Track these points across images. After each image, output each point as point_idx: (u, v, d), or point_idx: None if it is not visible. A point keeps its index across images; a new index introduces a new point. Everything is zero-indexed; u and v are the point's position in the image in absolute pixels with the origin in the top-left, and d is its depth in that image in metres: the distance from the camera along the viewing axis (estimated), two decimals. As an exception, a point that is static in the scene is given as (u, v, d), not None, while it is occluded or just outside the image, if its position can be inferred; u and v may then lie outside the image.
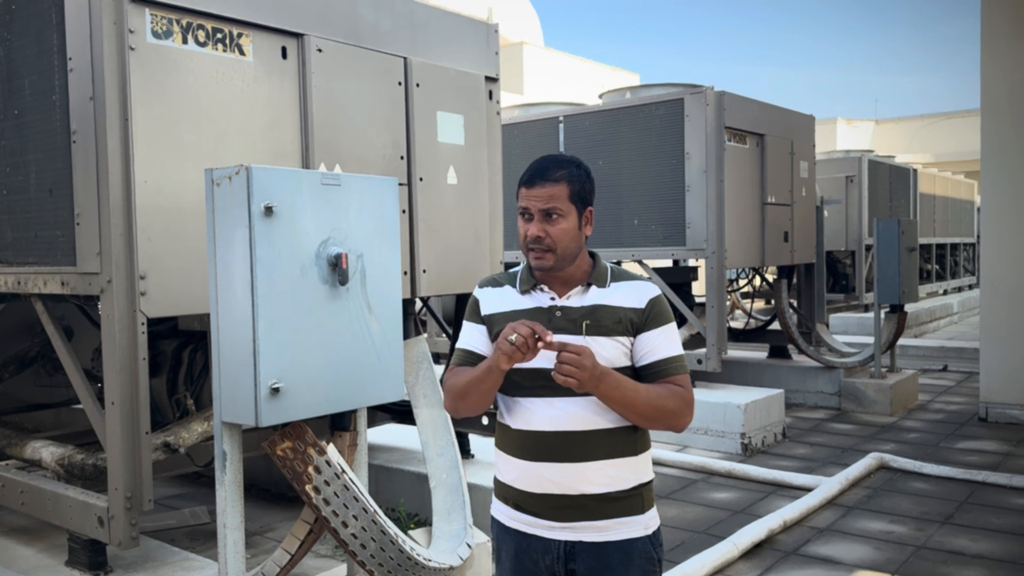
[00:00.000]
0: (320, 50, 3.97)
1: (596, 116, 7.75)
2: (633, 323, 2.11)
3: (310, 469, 2.73)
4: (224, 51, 3.63)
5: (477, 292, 2.26)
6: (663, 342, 2.13)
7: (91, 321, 4.59)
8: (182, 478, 5.78)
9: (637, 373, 2.14)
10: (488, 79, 4.94)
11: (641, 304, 2.13)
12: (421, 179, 4.47)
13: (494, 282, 2.26)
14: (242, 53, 3.70)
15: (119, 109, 3.33)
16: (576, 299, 2.14)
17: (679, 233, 7.21)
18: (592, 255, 2.22)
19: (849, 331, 12.69)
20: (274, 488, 5.44)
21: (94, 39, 3.32)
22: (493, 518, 2.26)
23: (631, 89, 8.09)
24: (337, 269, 2.78)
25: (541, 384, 2.08)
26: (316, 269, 2.75)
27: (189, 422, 3.82)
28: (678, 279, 8.09)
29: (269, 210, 2.61)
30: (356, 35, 4.16)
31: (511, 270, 2.28)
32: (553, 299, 2.15)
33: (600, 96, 8.32)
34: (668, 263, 8.67)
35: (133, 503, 3.43)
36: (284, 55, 3.87)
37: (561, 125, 7.93)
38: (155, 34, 3.41)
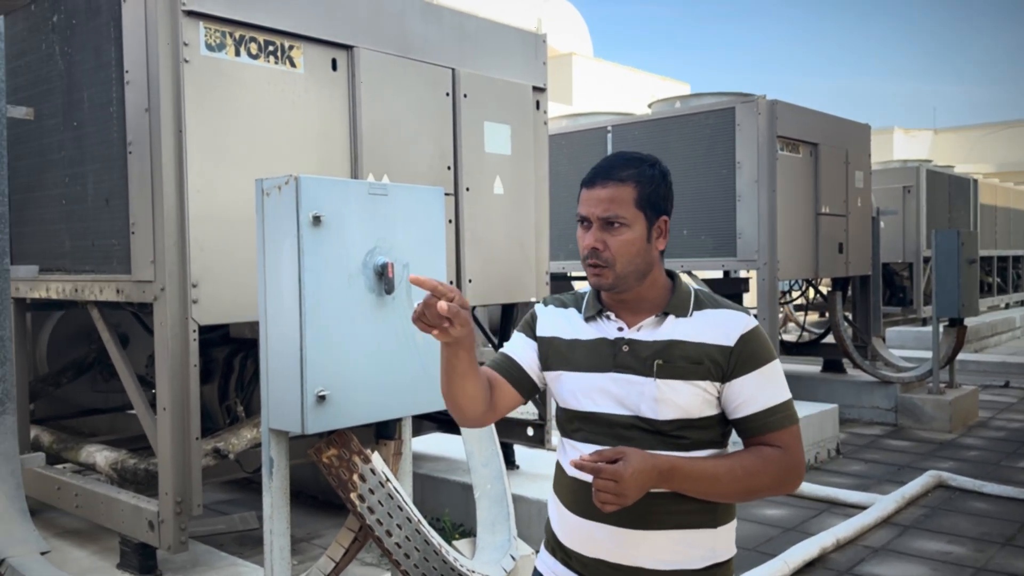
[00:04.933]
0: (370, 62, 4.01)
1: (645, 126, 7.69)
2: (719, 366, 1.71)
3: (355, 477, 2.74)
4: (276, 63, 3.69)
5: (538, 308, 1.95)
6: (759, 389, 1.72)
7: (145, 328, 4.69)
8: (232, 483, 5.85)
9: (731, 423, 1.79)
10: (536, 89, 4.93)
11: (730, 342, 1.72)
12: (468, 189, 4.48)
13: (559, 302, 1.92)
14: (293, 65, 3.75)
15: (173, 120, 3.40)
16: (648, 331, 1.77)
17: (730, 244, 7.10)
18: (671, 275, 1.84)
19: (906, 345, 12.36)
20: (321, 495, 5.48)
21: (150, 52, 3.40)
22: (536, 569, 1.93)
23: (681, 98, 8.02)
24: (383, 278, 2.79)
25: (602, 430, 1.76)
26: (363, 278, 2.76)
27: (239, 428, 3.87)
28: (729, 291, 7.98)
29: (317, 220, 2.64)
30: (405, 47, 4.20)
31: (581, 291, 1.95)
32: (621, 329, 1.79)
33: (649, 106, 8.26)
34: (719, 274, 8.55)
35: (183, 508, 3.48)
36: (334, 67, 3.91)
37: (609, 135, 7.89)
38: (209, 47, 3.47)
